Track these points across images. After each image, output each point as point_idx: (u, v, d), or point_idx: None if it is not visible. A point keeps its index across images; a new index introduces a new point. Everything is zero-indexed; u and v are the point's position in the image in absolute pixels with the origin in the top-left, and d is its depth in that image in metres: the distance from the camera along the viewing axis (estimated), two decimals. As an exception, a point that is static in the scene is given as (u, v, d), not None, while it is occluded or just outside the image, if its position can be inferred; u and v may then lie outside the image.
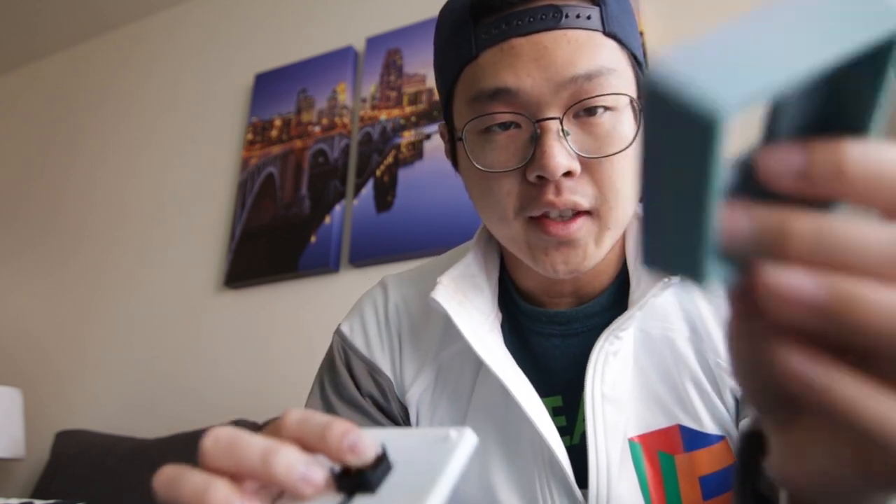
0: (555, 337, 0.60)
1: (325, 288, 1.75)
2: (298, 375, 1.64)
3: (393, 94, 1.88)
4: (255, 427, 1.55)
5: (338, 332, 0.67)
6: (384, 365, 0.63)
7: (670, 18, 1.61)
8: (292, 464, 0.28)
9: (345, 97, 1.96)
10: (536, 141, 0.49)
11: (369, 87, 1.93)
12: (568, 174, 0.49)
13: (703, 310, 0.56)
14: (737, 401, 0.54)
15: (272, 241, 1.86)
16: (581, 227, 0.51)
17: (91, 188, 2.36)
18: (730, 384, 0.54)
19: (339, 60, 2.01)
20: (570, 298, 0.61)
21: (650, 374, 0.56)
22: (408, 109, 1.83)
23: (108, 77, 2.58)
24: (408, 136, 1.80)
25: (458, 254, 0.67)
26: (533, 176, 0.50)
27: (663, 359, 0.56)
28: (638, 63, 0.55)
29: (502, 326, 0.61)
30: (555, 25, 0.49)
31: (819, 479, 0.22)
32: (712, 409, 0.54)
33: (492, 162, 0.52)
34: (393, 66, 1.92)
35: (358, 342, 0.65)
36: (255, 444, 0.29)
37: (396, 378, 0.63)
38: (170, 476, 0.28)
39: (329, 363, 0.66)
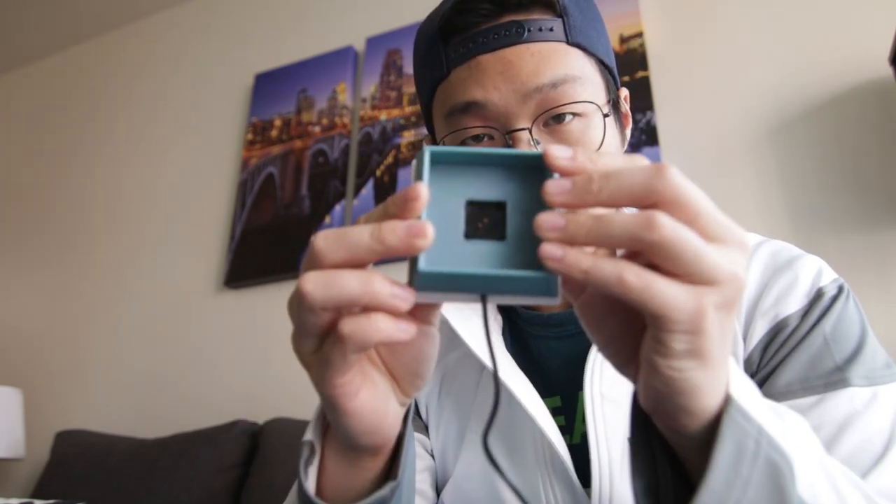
0: (551, 339, 0.61)
1: (325, 288, 1.75)
2: (298, 375, 1.64)
3: (393, 94, 1.88)
4: (254, 428, 1.55)
5: None
6: None
7: (670, 18, 1.61)
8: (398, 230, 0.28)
9: (345, 97, 1.96)
10: None
11: (369, 87, 1.93)
12: None
13: None
14: None
15: (272, 241, 1.85)
16: None
17: (91, 188, 2.36)
18: None
19: (339, 60, 2.02)
20: (562, 300, 0.62)
21: None
22: (408, 109, 1.84)
23: (107, 77, 2.58)
24: (408, 136, 1.80)
25: None
26: None
27: None
28: (607, 68, 0.56)
29: (504, 330, 0.62)
30: (518, 40, 0.51)
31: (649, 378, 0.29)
32: None
33: None
34: (393, 66, 1.92)
35: None
36: (361, 230, 0.29)
37: None
38: (323, 278, 0.28)
39: None
